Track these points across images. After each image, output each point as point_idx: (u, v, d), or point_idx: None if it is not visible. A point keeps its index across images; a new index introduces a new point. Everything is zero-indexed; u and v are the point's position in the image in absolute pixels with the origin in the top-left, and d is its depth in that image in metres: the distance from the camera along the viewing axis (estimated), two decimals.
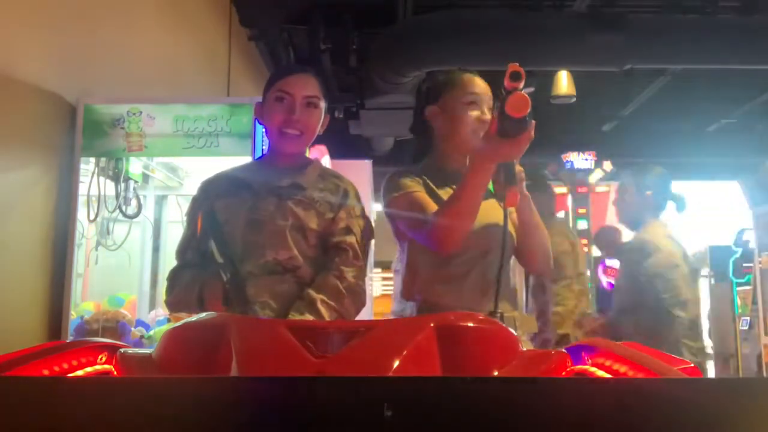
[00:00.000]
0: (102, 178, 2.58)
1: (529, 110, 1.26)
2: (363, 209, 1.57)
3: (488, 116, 1.59)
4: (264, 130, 1.64)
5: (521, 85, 1.26)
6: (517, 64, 1.26)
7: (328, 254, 1.47)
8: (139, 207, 2.77)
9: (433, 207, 1.54)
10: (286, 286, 1.42)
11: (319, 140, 1.63)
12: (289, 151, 1.54)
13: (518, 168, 1.45)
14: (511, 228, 1.59)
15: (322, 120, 1.56)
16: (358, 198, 1.56)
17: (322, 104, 1.54)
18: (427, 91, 1.69)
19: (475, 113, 1.59)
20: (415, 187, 1.59)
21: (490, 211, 1.54)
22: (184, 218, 1.60)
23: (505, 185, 1.38)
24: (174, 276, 1.48)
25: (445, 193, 1.60)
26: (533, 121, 1.32)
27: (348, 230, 1.48)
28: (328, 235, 1.48)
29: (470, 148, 1.57)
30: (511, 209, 1.52)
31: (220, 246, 1.40)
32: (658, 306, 2.35)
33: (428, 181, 1.62)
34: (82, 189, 2.51)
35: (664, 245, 2.46)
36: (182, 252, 1.51)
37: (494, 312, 1.46)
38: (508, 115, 1.27)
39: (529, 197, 1.54)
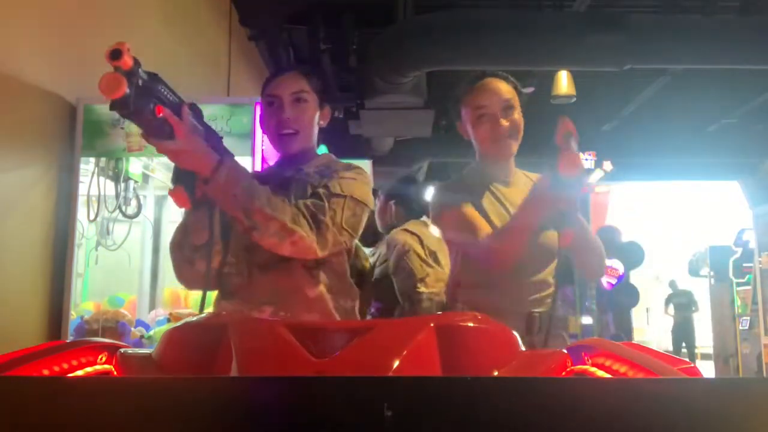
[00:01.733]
0: (102, 178, 2.57)
1: (582, 170, 1.28)
2: (353, 176, 1.50)
3: (503, 119, 1.60)
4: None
5: (575, 144, 1.27)
6: (571, 122, 1.26)
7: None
8: (139, 207, 2.77)
9: (480, 221, 1.57)
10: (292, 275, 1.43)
11: (319, 140, 1.63)
12: (291, 151, 1.54)
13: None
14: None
15: (318, 113, 1.55)
16: (352, 169, 1.52)
17: (313, 97, 1.53)
18: (453, 106, 1.73)
19: (484, 127, 1.62)
20: (461, 200, 1.61)
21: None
22: None
23: (561, 226, 1.41)
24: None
25: (487, 200, 1.63)
26: (586, 178, 1.32)
27: (324, 185, 1.45)
28: None
29: (497, 151, 1.64)
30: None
31: (232, 242, 1.43)
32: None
33: (471, 190, 1.64)
34: (82, 189, 2.51)
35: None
36: (179, 225, 1.48)
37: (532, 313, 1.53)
38: (560, 176, 1.28)
39: (583, 221, 1.57)
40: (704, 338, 8.81)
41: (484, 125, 1.61)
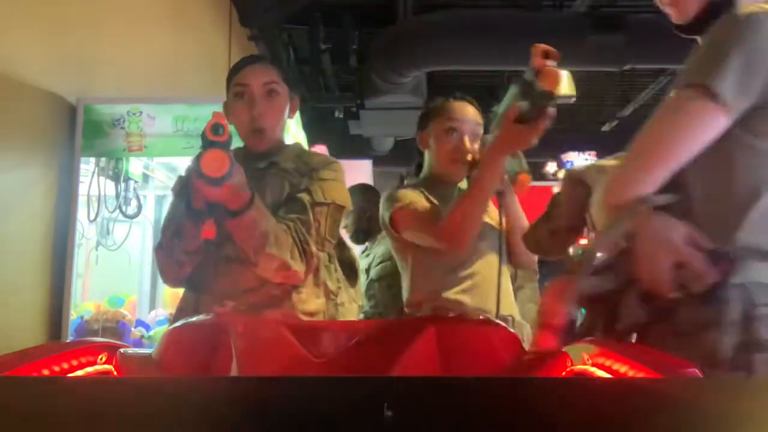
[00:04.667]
0: (102, 178, 2.58)
1: (559, 87, 1.28)
2: (334, 176, 1.50)
3: (468, 144, 1.63)
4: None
5: (554, 62, 1.27)
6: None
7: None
8: (139, 207, 2.77)
9: (435, 207, 1.60)
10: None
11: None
12: (261, 146, 1.51)
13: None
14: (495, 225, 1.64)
15: (288, 105, 1.53)
16: (329, 166, 1.51)
17: (284, 89, 1.50)
18: (421, 117, 1.77)
19: (452, 141, 1.65)
20: (417, 197, 1.64)
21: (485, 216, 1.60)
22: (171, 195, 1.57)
23: (516, 173, 1.45)
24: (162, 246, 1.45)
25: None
26: (549, 107, 1.34)
27: (306, 190, 1.44)
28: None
29: (454, 171, 1.67)
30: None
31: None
32: None
33: (427, 194, 1.66)
34: (82, 189, 2.52)
35: None
36: (167, 228, 1.46)
37: (499, 315, 1.49)
38: (540, 91, 1.27)
39: (515, 197, 1.62)
40: None
41: (448, 141, 1.65)
